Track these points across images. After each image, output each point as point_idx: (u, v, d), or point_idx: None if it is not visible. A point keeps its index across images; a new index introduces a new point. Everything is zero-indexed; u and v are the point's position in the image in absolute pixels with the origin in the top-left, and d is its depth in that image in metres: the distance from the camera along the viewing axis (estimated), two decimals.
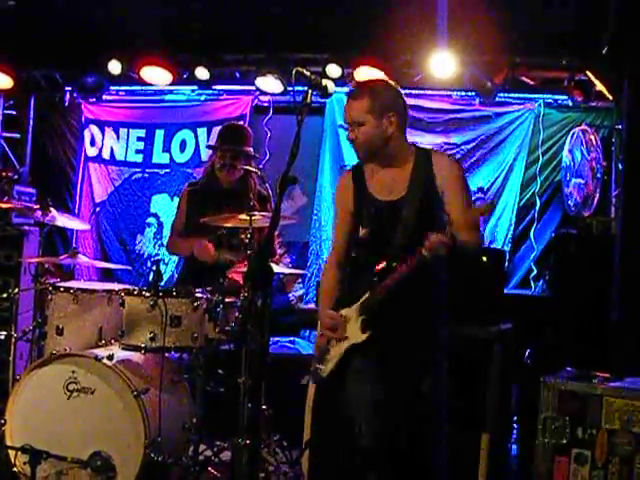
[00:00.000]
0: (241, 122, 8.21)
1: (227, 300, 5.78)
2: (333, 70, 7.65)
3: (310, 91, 3.99)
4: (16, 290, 6.75)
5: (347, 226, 4.59)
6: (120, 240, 8.94)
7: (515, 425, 6.39)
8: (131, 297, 5.63)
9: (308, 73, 4.02)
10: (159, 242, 8.70)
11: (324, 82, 4.02)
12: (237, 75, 8.43)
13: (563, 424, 4.83)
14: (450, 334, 4.51)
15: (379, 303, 4.33)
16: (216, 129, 8.45)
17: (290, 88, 7.99)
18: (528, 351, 6.40)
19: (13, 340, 6.63)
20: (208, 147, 6.67)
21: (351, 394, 4.42)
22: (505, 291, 6.39)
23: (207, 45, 8.04)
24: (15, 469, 5.46)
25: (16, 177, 7.93)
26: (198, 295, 5.64)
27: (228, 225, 5.98)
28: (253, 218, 5.62)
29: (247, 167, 6.33)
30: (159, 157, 8.88)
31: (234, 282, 6.14)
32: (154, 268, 5.63)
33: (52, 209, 6.55)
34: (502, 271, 6.34)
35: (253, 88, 8.32)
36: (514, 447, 6.34)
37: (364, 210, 4.47)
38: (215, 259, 6.31)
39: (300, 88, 7.82)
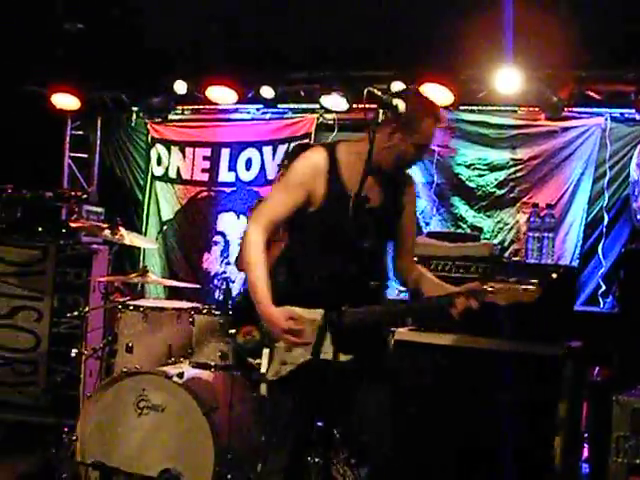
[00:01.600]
0: (306, 140, 8.24)
1: None
2: (398, 87, 7.63)
3: (381, 110, 3.96)
4: (87, 308, 6.83)
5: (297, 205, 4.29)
6: (187, 258, 9.01)
7: (585, 444, 6.32)
8: (201, 315, 5.69)
9: (379, 92, 4.01)
10: (226, 260, 8.74)
11: (394, 101, 4.01)
12: (302, 93, 8.46)
13: (637, 443, 4.76)
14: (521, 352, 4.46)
15: (361, 324, 4.12)
16: (282, 147, 8.54)
17: (355, 106, 8.03)
18: (597, 368, 6.33)
19: (83, 358, 6.72)
20: (280, 166, 6.68)
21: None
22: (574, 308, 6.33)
23: (272, 64, 8.10)
24: None
25: (85, 197, 8.02)
26: None
27: None
28: None
29: None
30: (225, 176, 8.93)
31: None
32: (224, 287, 5.67)
33: (121, 228, 6.63)
34: (573, 288, 6.27)
35: (318, 106, 8.34)
36: (585, 466, 6.25)
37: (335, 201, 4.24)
38: None
39: (361, 105, 7.96)
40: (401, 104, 4.05)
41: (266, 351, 4.20)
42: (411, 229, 4.53)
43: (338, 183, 4.24)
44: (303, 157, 4.35)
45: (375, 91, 4.03)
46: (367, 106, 4.18)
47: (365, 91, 4.04)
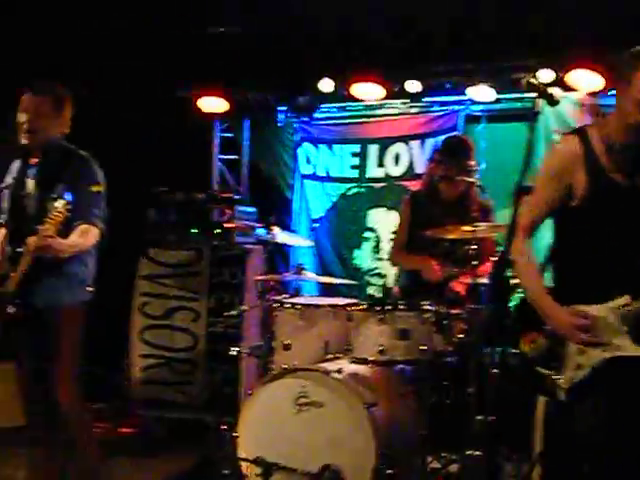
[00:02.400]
0: (454, 133, 8.17)
1: (453, 312, 5.77)
2: (546, 75, 7.50)
3: (539, 100, 3.89)
4: (244, 307, 6.91)
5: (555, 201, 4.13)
6: (338, 255, 9.05)
7: None
8: (358, 311, 5.70)
9: (537, 82, 3.95)
10: (377, 256, 8.74)
11: (550, 90, 3.95)
12: (447, 86, 8.39)
13: None
14: None
15: None
16: (429, 141, 8.49)
17: (502, 97, 7.93)
18: None
19: (242, 356, 6.82)
20: (432, 160, 6.64)
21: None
22: None
23: (417, 58, 8.06)
24: None
25: (237, 197, 8.13)
26: (426, 308, 5.64)
27: (451, 237, 5.97)
28: (477, 229, 5.58)
29: (467, 179, 6.29)
30: (374, 171, 8.93)
31: (456, 293, 6.13)
32: (383, 282, 5.68)
33: (275, 227, 6.71)
34: None
35: (464, 98, 8.25)
36: None
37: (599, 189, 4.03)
38: (442, 278, 6.30)
39: (508, 96, 7.85)
40: (557, 93, 3.99)
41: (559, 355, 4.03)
42: None
43: (597, 170, 4.04)
44: (554, 148, 4.23)
45: (534, 81, 3.97)
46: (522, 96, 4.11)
47: (524, 81, 3.97)
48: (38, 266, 5.09)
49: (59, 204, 4.94)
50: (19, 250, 5.19)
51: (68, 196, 5.00)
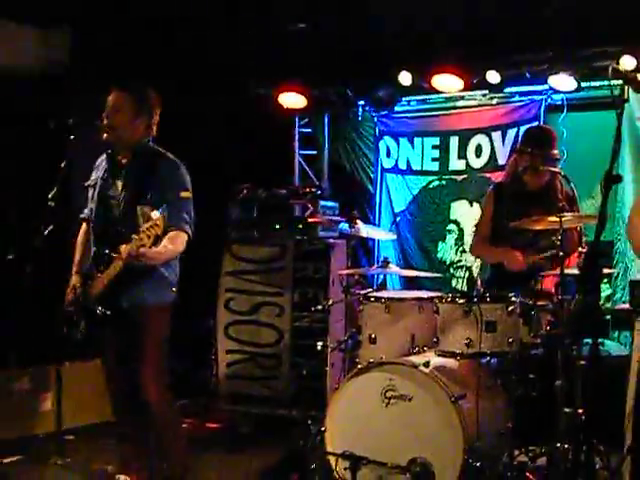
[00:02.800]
0: (535, 123, 8.10)
1: (539, 303, 5.72)
2: (627, 62, 7.37)
3: (627, 87, 3.85)
4: (330, 302, 6.94)
5: None
6: (422, 248, 9.03)
7: None
8: (445, 304, 5.69)
9: (623, 69, 3.92)
10: (460, 248, 8.70)
11: (639, 77, 3.90)
12: (527, 75, 8.31)
13: None
14: None
15: None
16: (511, 132, 8.42)
17: (584, 85, 7.83)
18: None
19: (328, 350, 6.85)
20: (516, 151, 6.59)
21: None
22: None
23: (496, 48, 7.99)
24: (336, 474, 5.62)
25: (319, 192, 8.16)
26: (512, 299, 5.61)
27: (537, 228, 5.92)
28: (563, 219, 5.52)
29: (552, 169, 6.23)
30: (455, 164, 8.87)
31: (546, 291, 6.06)
32: (467, 275, 5.66)
33: (358, 221, 6.72)
34: None
35: (545, 87, 8.16)
36: None
37: None
38: (525, 267, 6.26)
39: (589, 84, 7.74)
40: None
41: None
42: None
43: None
44: None
45: (619, 68, 3.94)
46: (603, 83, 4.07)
47: (610, 68, 3.93)
48: (127, 270, 5.17)
49: (156, 217, 4.97)
50: (106, 252, 5.28)
51: (164, 209, 5.05)
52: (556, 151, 6.38)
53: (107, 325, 5.41)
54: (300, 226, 7.77)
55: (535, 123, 8.11)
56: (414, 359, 5.66)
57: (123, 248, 5.05)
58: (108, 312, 5.30)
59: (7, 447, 6.85)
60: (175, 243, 5.23)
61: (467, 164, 8.81)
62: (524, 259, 6.25)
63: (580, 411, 5.41)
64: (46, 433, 7.15)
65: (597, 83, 7.80)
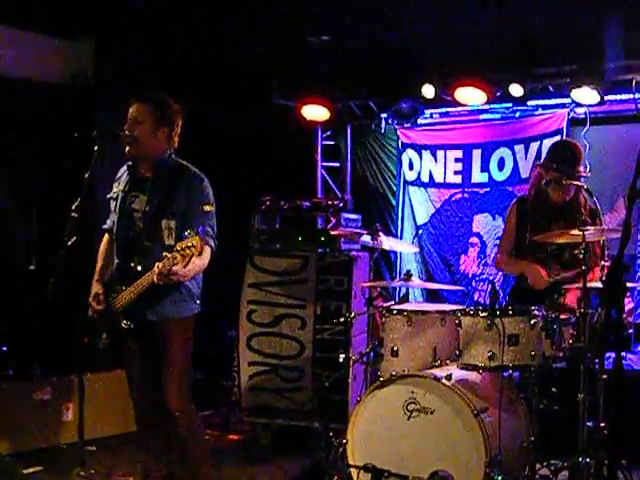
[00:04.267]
0: (558, 136, 8.08)
1: (562, 317, 5.71)
2: None
3: None
4: (353, 314, 6.92)
5: None
6: (444, 261, 9.02)
7: None
8: (467, 317, 5.68)
9: None
10: (483, 261, 8.70)
11: None
12: (551, 89, 8.30)
13: None
14: None
15: None
16: (534, 145, 8.41)
17: (607, 98, 7.81)
18: None
19: (351, 362, 6.84)
20: (541, 165, 6.54)
21: None
22: None
23: (520, 61, 7.99)
24: None
25: (342, 205, 8.16)
26: (535, 313, 5.59)
27: (560, 241, 5.91)
28: (586, 233, 5.51)
29: (576, 183, 6.20)
30: (478, 176, 8.88)
31: (568, 305, 6.04)
32: (490, 288, 5.65)
33: (381, 233, 6.72)
34: None
35: (568, 101, 8.15)
36: None
37: None
38: (549, 284, 6.24)
39: (611, 97, 7.72)
40: None
41: None
42: None
43: None
44: None
45: None
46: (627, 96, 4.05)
47: (633, 81, 3.91)
48: (154, 284, 5.17)
49: (193, 237, 4.95)
50: (131, 266, 5.30)
51: (201, 230, 5.07)
52: (582, 168, 6.35)
53: (131, 337, 5.44)
54: (322, 238, 7.75)
55: (558, 137, 8.11)
56: (436, 372, 5.65)
57: (158, 266, 5.05)
58: (132, 325, 5.32)
59: (29, 457, 6.88)
60: (202, 258, 5.22)
61: (490, 177, 8.81)
62: (548, 276, 6.24)
63: (602, 425, 5.41)
64: (68, 443, 7.18)
65: (620, 96, 7.80)
